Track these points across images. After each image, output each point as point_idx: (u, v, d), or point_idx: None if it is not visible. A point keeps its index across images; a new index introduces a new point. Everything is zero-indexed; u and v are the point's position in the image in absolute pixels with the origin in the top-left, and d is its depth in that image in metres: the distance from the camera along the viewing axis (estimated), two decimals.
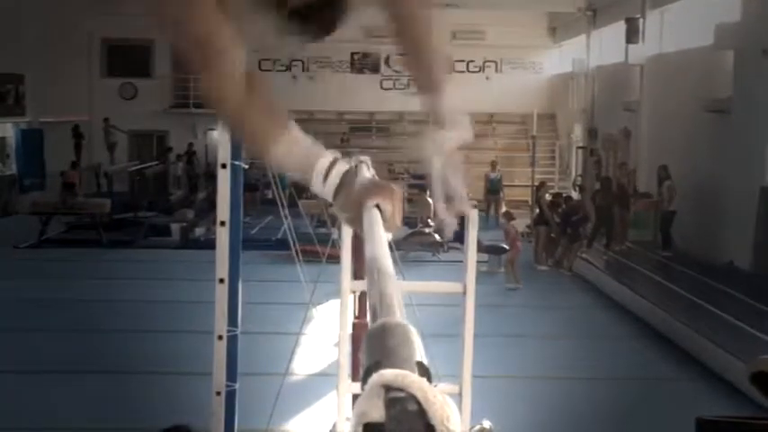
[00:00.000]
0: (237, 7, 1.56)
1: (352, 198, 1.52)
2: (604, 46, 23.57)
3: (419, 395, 0.77)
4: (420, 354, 0.88)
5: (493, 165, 24.36)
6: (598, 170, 22.74)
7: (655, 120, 19.27)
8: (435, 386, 0.81)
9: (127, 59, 27.76)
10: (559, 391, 9.47)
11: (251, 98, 1.54)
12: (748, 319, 11.28)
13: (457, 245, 16.33)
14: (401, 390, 0.78)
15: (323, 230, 14.33)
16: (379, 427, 0.77)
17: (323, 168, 1.53)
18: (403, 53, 1.82)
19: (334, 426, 4.97)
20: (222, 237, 5.35)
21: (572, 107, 26.91)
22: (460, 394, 2.67)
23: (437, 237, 17.42)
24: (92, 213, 19.07)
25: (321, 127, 25.75)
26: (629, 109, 20.76)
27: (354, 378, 2.87)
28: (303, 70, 28.26)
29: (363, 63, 28.87)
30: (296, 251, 10.90)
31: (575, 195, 20.73)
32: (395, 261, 1.38)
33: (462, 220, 2.43)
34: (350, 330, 3.68)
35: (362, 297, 4.98)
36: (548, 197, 18.30)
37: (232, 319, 5.39)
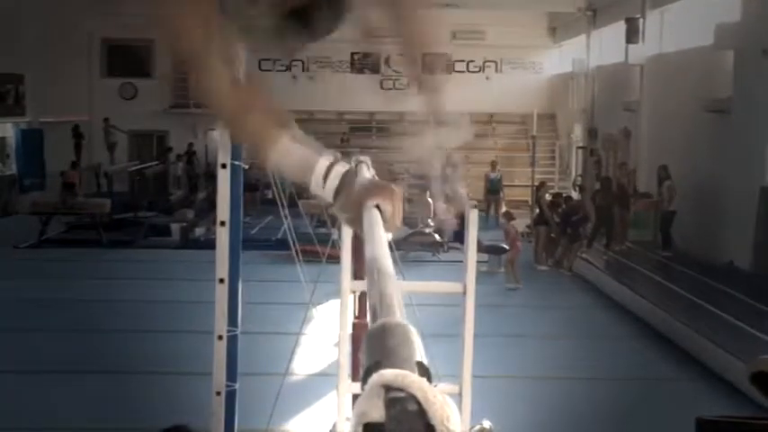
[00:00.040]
0: (235, 11, 1.56)
1: (353, 199, 1.52)
2: (604, 46, 23.57)
3: (419, 395, 0.77)
4: (420, 354, 0.88)
5: (493, 165, 24.36)
6: (598, 170, 22.74)
7: (655, 120, 19.27)
8: (435, 386, 0.81)
9: (127, 59, 27.75)
10: (559, 391, 9.47)
11: (248, 102, 1.54)
12: (748, 319, 11.28)
13: (457, 245, 16.34)
14: (401, 390, 0.78)
15: (323, 230, 14.32)
16: (379, 427, 0.77)
17: (322, 170, 1.53)
18: (401, 54, 1.83)
19: (334, 426, 4.97)
20: (222, 237, 5.35)
21: (572, 107, 26.90)
22: (460, 394, 2.67)
23: (437, 237, 17.43)
24: (92, 213, 19.07)
25: (321, 127, 25.75)
26: (629, 109, 20.76)
27: (354, 378, 2.87)
28: (303, 70, 28.25)
29: (363, 63, 28.86)
30: (296, 251, 10.90)
31: (575, 195, 20.73)
32: (395, 261, 1.38)
33: (462, 220, 2.43)
34: (350, 330, 3.68)
35: (362, 297, 4.98)
36: (548, 197, 18.30)
37: (232, 319, 5.39)
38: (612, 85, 22.46)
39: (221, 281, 5.33)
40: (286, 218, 10.61)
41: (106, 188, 25.40)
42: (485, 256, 15.21)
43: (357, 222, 1.52)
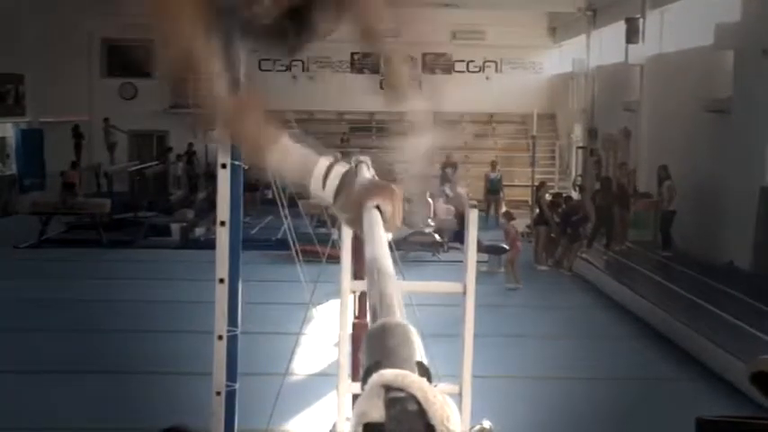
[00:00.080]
0: (234, 11, 1.57)
1: (353, 199, 1.52)
2: (604, 46, 23.57)
3: (419, 395, 0.77)
4: (420, 354, 0.88)
5: (493, 165, 24.36)
6: (598, 170, 22.74)
7: (655, 120, 19.27)
8: (435, 386, 0.81)
9: (127, 59, 27.74)
10: (559, 391, 9.47)
11: (244, 108, 1.53)
12: (748, 319, 11.28)
13: (457, 245, 16.35)
14: (401, 390, 0.78)
15: (323, 230, 14.31)
16: (379, 427, 0.77)
17: (322, 170, 1.53)
18: (371, 64, 1.85)
19: (334, 426, 4.97)
20: (222, 237, 5.34)
21: (572, 107, 26.90)
22: (460, 394, 2.67)
23: (437, 237, 17.44)
24: (92, 213, 19.07)
25: (321, 127, 25.77)
26: (629, 109, 20.76)
27: (354, 378, 2.87)
28: (303, 70, 28.25)
29: (363, 63, 28.84)
30: (296, 251, 10.90)
31: (575, 195, 20.73)
32: (395, 261, 1.38)
33: (462, 220, 2.43)
34: (350, 330, 3.68)
35: (362, 297, 4.98)
36: (548, 197, 18.30)
37: (232, 319, 5.39)
38: (612, 85, 22.46)
39: (221, 281, 5.33)
40: (286, 218, 10.61)
41: (106, 188, 25.40)
42: (485, 256, 15.21)
43: (357, 222, 1.52)
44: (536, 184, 20.86)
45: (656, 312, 12.19)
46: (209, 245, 6.38)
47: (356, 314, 4.48)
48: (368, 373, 0.82)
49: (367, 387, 0.80)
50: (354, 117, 28.56)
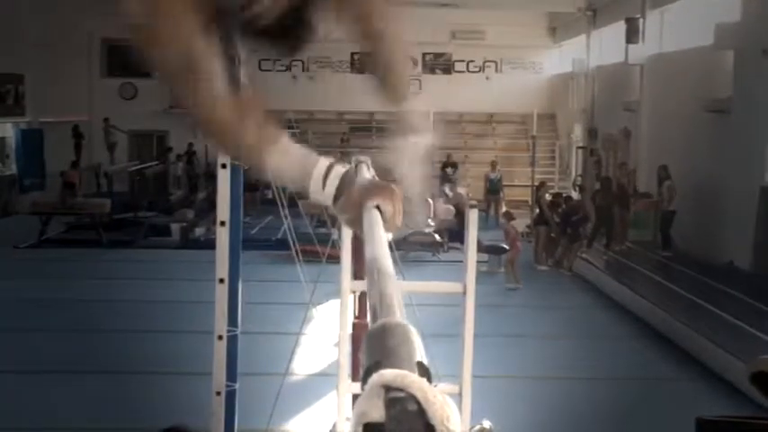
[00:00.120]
0: (232, 12, 1.56)
1: (353, 199, 1.52)
2: (604, 46, 23.58)
3: (419, 395, 0.77)
4: (420, 354, 0.88)
5: (493, 165, 24.36)
6: (598, 170, 22.74)
7: (655, 120, 19.27)
8: (435, 386, 0.81)
9: (127, 59, 27.70)
10: (559, 391, 9.47)
11: (239, 113, 1.53)
12: (748, 319, 11.28)
13: (457, 245, 16.35)
14: (401, 390, 0.78)
15: (323, 230, 14.32)
16: (379, 427, 0.77)
17: (320, 173, 1.53)
18: (370, 65, 1.83)
19: (334, 426, 4.97)
20: (222, 237, 5.35)
21: (572, 107, 26.91)
22: (460, 394, 2.67)
23: (437, 237, 17.44)
24: (92, 213, 19.07)
25: (321, 127, 25.78)
26: (629, 109, 20.76)
27: (354, 378, 2.87)
28: (303, 70, 28.24)
29: (363, 63, 28.85)
30: (296, 251, 10.90)
31: (575, 195, 20.73)
32: (395, 261, 1.38)
33: (462, 220, 2.43)
34: (350, 330, 3.69)
35: (362, 297, 4.98)
36: (548, 197, 18.30)
37: (232, 319, 5.39)
38: (612, 85, 22.47)
39: (221, 281, 5.33)
40: (286, 218, 10.61)
41: (106, 188, 25.40)
42: (485, 256, 15.21)
43: (357, 223, 1.51)
44: (536, 184, 20.86)
45: (656, 312, 12.19)
46: (209, 245, 6.39)
47: (356, 314, 4.48)
48: (368, 373, 0.82)
49: (367, 387, 0.80)
50: (354, 117, 28.54)
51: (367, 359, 0.87)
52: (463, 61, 28.81)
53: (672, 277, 14.51)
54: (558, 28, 28.12)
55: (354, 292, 3.25)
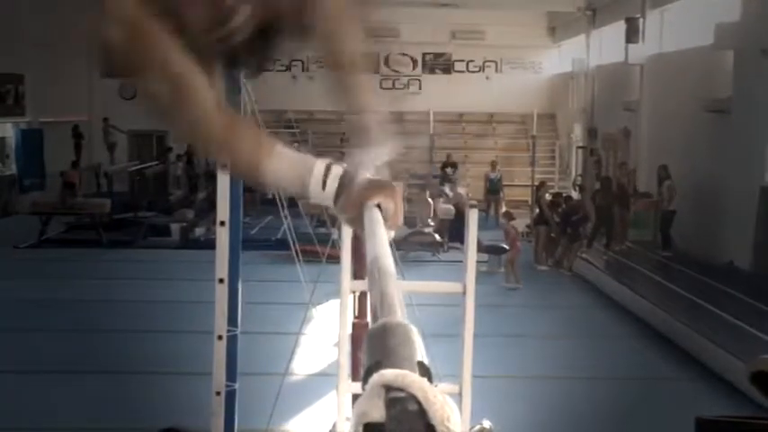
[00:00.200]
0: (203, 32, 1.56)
1: (353, 198, 1.52)
2: (604, 46, 23.58)
3: (419, 395, 0.77)
4: (421, 354, 0.88)
5: (493, 165, 24.36)
6: (598, 170, 22.74)
7: (655, 120, 19.27)
8: (436, 386, 0.81)
9: None
10: (559, 391, 9.47)
11: (233, 124, 1.52)
12: (748, 319, 11.28)
13: (457, 245, 16.35)
14: (402, 390, 0.78)
15: (323, 230, 14.32)
16: (380, 427, 0.77)
17: (320, 174, 1.53)
18: (332, 77, 1.82)
19: (334, 426, 4.97)
20: (222, 237, 5.35)
21: (572, 107, 26.91)
22: (460, 394, 2.66)
23: (437, 237, 17.44)
24: (92, 213, 19.06)
25: (321, 127, 25.74)
26: (628, 109, 20.76)
27: (354, 378, 2.87)
28: (303, 70, 28.20)
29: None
30: (296, 251, 10.91)
31: (575, 195, 20.73)
32: (395, 260, 1.38)
33: (462, 220, 2.43)
34: (350, 330, 3.68)
35: (362, 297, 4.98)
36: (548, 197, 18.29)
37: (232, 319, 5.39)
38: (612, 85, 22.47)
39: (221, 281, 5.33)
40: (286, 218, 10.61)
41: (106, 188, 25.40)
42: (485, 256, 15.21)
43: (358, 222, 1.51)
44: (536, 183, 20.86)
45: (656, 312, 12.19)
46: (209, 245, 6.39)
47: (356, 314, 4.48)
48: (368, 373, 0.82)
49: (367, 387, 0.80)
50: None
51: (368, 359, 0.87)
52: (463, 61, 28.80)
53: (672, 277, 14.51)
54: (557, 28, 28.13)
55: (354, 292, 3.25)
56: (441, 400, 0.78)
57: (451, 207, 18.48)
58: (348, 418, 2.61)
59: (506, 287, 14.63)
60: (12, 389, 9.09)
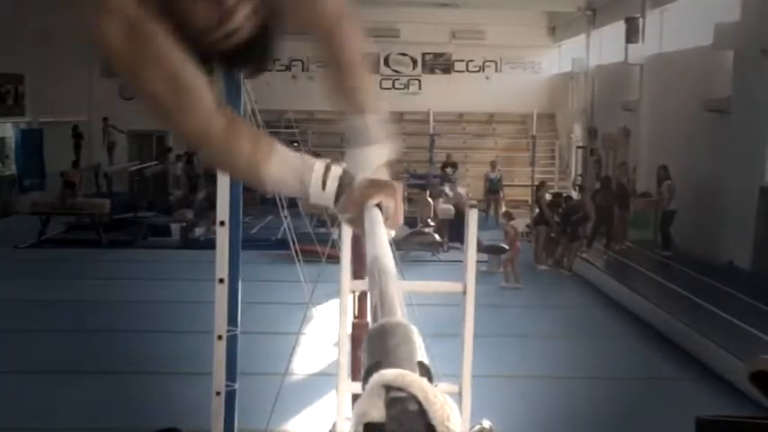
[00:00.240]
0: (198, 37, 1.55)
1: (354, 198, 1.51)
2: (604, 45, 23.59)
3: (420, 395, 0.77)
4: (421, 353, 0.88)
5: (493, 165, 24.36)
6: (598, 170, 22.75)
7: (655, 119, 19.27)
8: (436, 386, 0.81)
9: None
10: (559, 390, 9.47)
11: (233, 124, 1.52)
12: (748, 319, 11.28)
13: (457, 245, 16.35)
14: (402, 389, 0.78)
15: (323, 230, 14.32)
16: (380, 427, 0.77)
17: (319, 174, 1.53)
18: (331, 77, 1.81)
19: (334, 426, 4.97)
20: (222, 237, 5.35)
21: (572, 107, 26.92)
22: (460, 394, 2.66)
23: (437, 237, 17.44)
24: (91, 213, 19.06)
25: (321, 127, 25.75)
26: (628, 109, 20.77)
27: (354, 378, 2.87)
28: (303, 70, 28.22)
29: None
30: (296, 251, 10.91)
31: (575, 195, 20.74)
32: (395, 261, 1.38)
33: (462, 220, 2.43)
34: (350, 330, 3.68)
35: (362, 297, 4.99)
36: (548, 197, 18.30)
37: (232, 319, 5.40)
38: (612, 85, 22.47)
39: (221, 281, 5.33)
40: (286, 218, 10.61)
41: (106, 188, 25.39)
42: (485, 256, 15.21)
43: (359, 221, 1.51)
44: (536, 183, 20.86)
45: (656, 312, 12.19)
46: (209, 245, 6.39)
47: (356, 314, 4.48)
48: (368, 373, 0.82)
49: (367, 387, 0.80)
50: None
51: (368, 359, 0.87)
52: (463, 61, 28.81)
53: (672, 277, 14.51)
54: (557, 27, 28.13)
55: (354, 292, 3.25)
56: (441, 399, 0.78)
57: (451, 207, 18.49)
58: (348, 418, 2.61)
59: (506, 287, 14.63)
60: (12, 389, 9.09)
